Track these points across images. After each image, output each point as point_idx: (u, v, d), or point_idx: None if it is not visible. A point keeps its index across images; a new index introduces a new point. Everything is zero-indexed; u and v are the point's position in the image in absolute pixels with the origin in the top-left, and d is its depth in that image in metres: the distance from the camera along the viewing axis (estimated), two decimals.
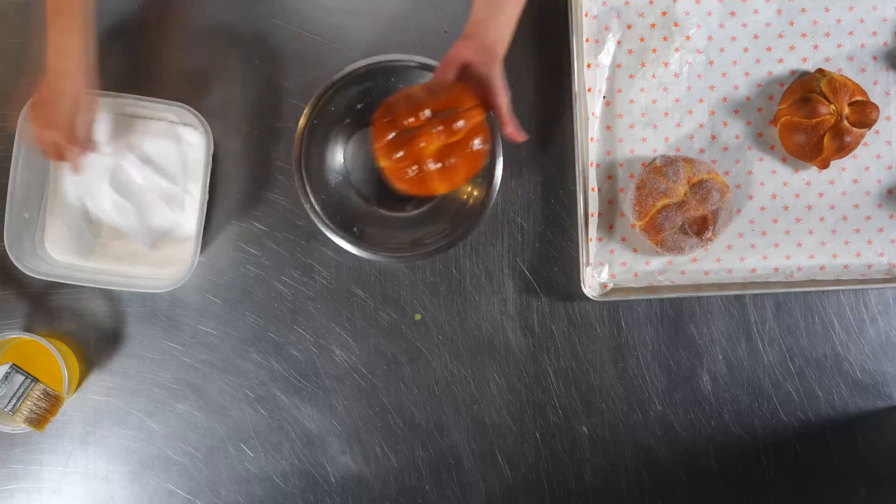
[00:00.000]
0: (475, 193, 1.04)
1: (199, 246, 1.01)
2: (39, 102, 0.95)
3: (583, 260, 1.05)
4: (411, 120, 0.87)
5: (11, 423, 0.97)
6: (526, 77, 1.09)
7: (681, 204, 1.03)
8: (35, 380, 0.95)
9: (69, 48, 0.93)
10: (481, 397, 1.08)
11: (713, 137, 1.09)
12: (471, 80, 0.91)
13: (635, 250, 1.08)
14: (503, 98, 0.91)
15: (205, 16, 1.08)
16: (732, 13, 1.08)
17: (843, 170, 1.09)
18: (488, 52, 0.91)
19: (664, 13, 1.08)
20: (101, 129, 1.01)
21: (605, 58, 1.08)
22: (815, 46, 1.09)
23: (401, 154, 0.88)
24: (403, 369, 1.08)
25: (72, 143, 0.95)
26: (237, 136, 1.07)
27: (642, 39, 1.08)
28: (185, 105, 1.00)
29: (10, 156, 0.99)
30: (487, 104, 0.91)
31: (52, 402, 0.96)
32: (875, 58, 1.09)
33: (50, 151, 0.96)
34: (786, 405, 1.09)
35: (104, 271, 1.05)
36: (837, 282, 1.08)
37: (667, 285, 1.07)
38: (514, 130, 0.92)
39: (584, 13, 1.07)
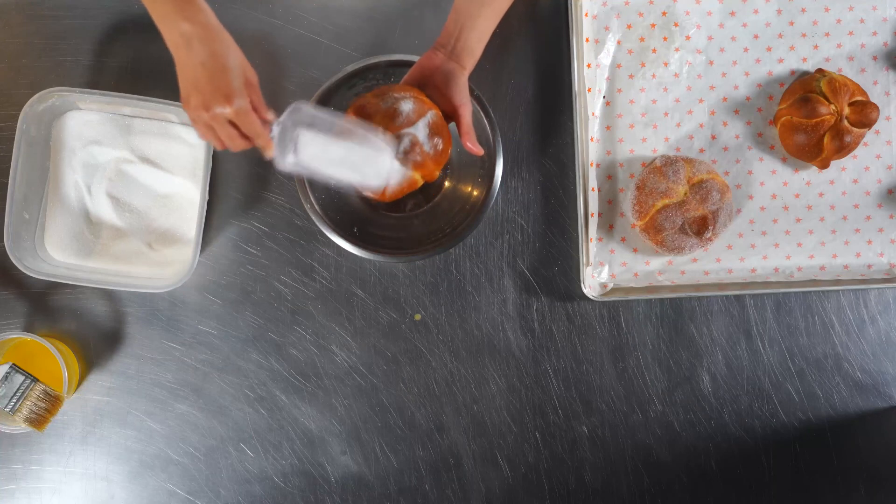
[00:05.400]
0: (475, 193, 1.04)
1: (199, 246, 1.01)
2: (197, 81, 0.78)
3: (583, 260, 1.05)
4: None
5: (11, 423, 0.97)
6: (526, 77, 1.09)
7: (681, 204, 1.03)
8: (35, 380, 0.95)
9: (204, 5, 0.79)
10: (481, 397, 1.08)
11: (713, 137, 1.09)
12: (436, 90, 0.93)
13: (635, 250, 1.08)
14: (465, 110, 0.92)
15: None
16: (732, 13, 1.08)
17: (843, 170, 1.09)
18: (456, 64, 0.92)
19: (664, 13, 1.08)
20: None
21: (605, 58, 1.08)
22: (815, 46, 1.09)
23: None
24: (403, 369, 1.08)
25: (256, 114, 0.80)
26: None
27: (642, 39, 1.08)
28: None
29: (10, 156, 0.99)
30: (449, 115, 0.93)
31: (52, 402, 0.96)
32: (875, 58, 1.09)
33: (232, 136, 0.81)
34: (786, 405, 1.09)
35: (104, 271, 1.05)
36: (837, 282, 1.08)
37: (667, 285, 1.07)
38: (472, 145, 0.93)
39: (584, 13, 1.07)
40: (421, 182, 0.94)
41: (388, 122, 0.89)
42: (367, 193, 0.95)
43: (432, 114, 0.91)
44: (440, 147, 0.92)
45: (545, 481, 1.08)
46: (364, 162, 0.87)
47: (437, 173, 0.95)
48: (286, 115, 0.83)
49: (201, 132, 0.82)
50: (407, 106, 0.90)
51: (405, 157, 0.90)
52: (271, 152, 0.83)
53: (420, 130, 0.90)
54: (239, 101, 0.78)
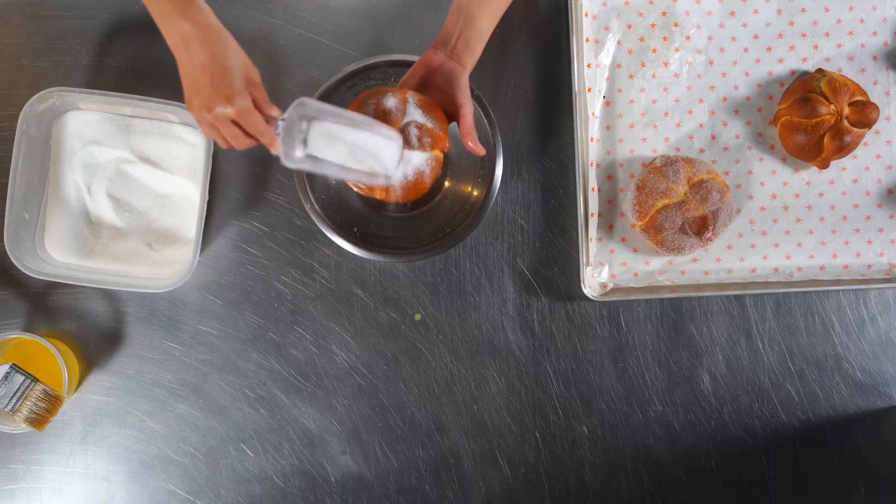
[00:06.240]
0: (475, 193, 1.04)
1: (199, 246, 1.01)
2: (198, 82, 0.79)
3: (583, 260, 1.05)
4: None
5: (11, 423, 0.97)
6: (526, 77, 1.09)
7: (681, 204, 1.03)
8: (35, 380, 0.95)
9: (204, 5, 0.79)
10: (481, 397, 1.08)
11: (713, 137, 1.09)
12: (436, 89, 0.93)
13: (635, 250, 1.08)
14: (466, 109, 0.92)
15: None
16: (732, 13, 1.08)
17: (843, 170, 1.09)
18: (456, 63, 0.92)
19: (664, 13, 1.08)
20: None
21: (605, 58, 1.08)
22: (815, 46, 1.09)
23: None
24: (403, 369, 1.08)
25: (260, 111, 0.81)
26: None
27: (642, 39, 1.08)
28: (185, 105, 1.00)
29: (10, 156, 0.99)
30: (451, 115, 0.93)
31: (52, 402, 0.96)
32: (875, 58, 1.09)
33: (236, 136, 0.81)
34: (786, 405, 1.09)
35: (104, 271, 1.05)
36: (837, 282, 1.08)
37: (667, 285, 1.07)
38: (474, 144, 0.92)
39: (584, 13, 1.07)
40: (442, 156, 0.94)
41: (386, 122, 0.90)
42: (379, 193, 0.94)
43: (411, 94, 0.91)
44: (438, 116, 0.92)
45: (545, 481, 1.08)
46: (375, 151, 0.87)
47: (448, 141, 0.95)
48: (291, 110, 0.83)
49: (206, 132, 0.83)
50: (390, 101, 0.90)
51: (421, 143, 0.90)
52: (277, 149, 0.83)
53: (416, 114, 0.90)
54: (240, 101, 0.79)
